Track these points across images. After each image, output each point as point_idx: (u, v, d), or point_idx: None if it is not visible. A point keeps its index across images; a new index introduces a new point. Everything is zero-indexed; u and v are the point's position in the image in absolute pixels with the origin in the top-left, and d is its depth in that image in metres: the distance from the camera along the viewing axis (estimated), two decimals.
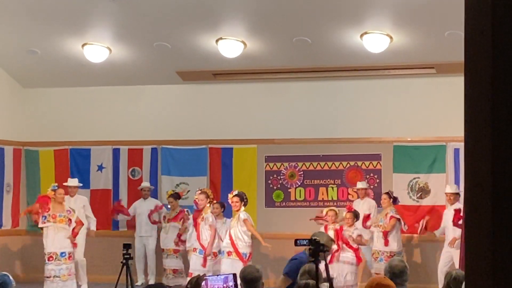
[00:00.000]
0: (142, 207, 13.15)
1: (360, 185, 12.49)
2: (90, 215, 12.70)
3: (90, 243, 12.55)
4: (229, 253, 11.04)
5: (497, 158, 1.64)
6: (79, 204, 12.42)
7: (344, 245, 10.90)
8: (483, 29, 1.73)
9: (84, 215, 12.40)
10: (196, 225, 11.50)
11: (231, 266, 10.70)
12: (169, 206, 12.77)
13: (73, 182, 12.65)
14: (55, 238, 11.14)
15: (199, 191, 11.67)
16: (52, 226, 11.17)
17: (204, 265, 11.15)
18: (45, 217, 11.18)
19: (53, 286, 11.11)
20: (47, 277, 11.15)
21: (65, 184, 12.44)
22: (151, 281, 12.68)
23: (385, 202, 11.87)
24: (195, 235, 11.50)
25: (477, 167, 1.69)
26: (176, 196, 12.66)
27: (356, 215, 11.23)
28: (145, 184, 13.36)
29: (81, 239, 12.13)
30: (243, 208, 11.22)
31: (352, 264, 10.86)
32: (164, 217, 12.70)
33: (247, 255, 11.00)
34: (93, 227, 12.68)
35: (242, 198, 11.19)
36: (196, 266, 11.16)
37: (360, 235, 11.04)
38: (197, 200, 11.62)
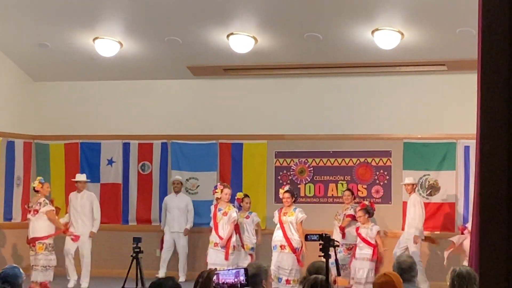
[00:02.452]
0: (174, 202, 12.89)
1: (407, 180, 12.10)
2: (97, 216, 12.18)
3: (99, 237, 12.49)
4: (282, 247, 10.98)
5: None
6: (85, 200, 12.18)
7: (362, 243, 11.01)
8: (500, 27, 1.72)
9: (91, 211, 12.16)
10: (215, 218, 11.28)
11: (287, 260, 10.70)
12: (241, 206, 12.09)
13: (81, 177, 12.41)
14: (35, 228, 11.50)
15: (222, 186, 11.38)
16: (34, 218, 11.52)
17: (226, 258, 11.03)
18: (31, 210, 11.60)
19: (46, 275, 11.45)
20: (42, 266, 11.41)
21: (73, 180, 12.45)
22: (181, 279, 12.13)
23: (348, 199, 11.99)
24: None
25: (493, 168, 1.68)
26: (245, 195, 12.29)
27: (368, 211, 11.22)
28: (177, 177, 13.12)
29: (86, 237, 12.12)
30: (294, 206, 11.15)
31: (373, 261, 10.95)
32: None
33: (299, 248, 10.92)
34: (95, 229, 12.15)
35: (293, 193, 11.18)
36: (215, 260, 10.98)
37: (379, 231, 11.20)
38: (225, 195, 11.23)
